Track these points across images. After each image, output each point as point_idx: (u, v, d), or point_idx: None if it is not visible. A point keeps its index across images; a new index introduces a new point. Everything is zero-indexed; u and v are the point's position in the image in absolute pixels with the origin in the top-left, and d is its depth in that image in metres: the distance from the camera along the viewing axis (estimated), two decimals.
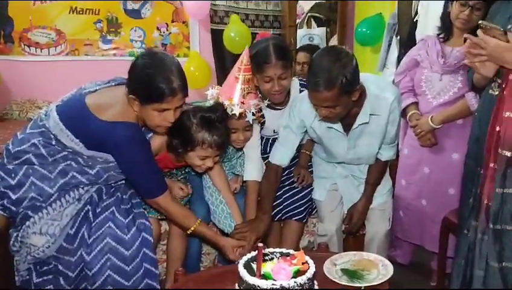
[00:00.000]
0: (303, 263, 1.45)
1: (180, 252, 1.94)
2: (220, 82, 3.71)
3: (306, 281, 1.38)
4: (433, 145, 2.32)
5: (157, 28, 3.98)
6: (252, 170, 2.03)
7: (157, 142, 1.78)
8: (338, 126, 1.91)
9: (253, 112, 1.88)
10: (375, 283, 1.48)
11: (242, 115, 1.86)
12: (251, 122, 1.93)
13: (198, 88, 3.42)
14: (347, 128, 1.93)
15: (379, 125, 1.93)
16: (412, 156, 2.43)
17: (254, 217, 1.93)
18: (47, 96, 3.55)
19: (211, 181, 1.98)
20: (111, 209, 1.74)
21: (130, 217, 1.76)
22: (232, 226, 1.90)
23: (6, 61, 3.63)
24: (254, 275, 1.40)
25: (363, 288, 1.42)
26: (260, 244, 1.42)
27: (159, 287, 1.76)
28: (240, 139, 1.96)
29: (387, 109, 1.89)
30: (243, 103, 1.85)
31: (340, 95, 1.68)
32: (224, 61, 4.00)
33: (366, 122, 1.89)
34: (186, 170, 2.05)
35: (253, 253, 1.54)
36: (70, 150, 1.64)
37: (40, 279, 1.69)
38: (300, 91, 2.07)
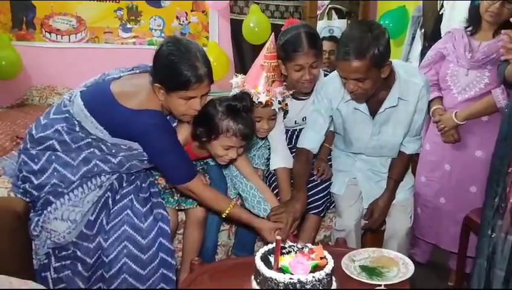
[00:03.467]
0: (321, 258, 1.43)
1: (196, 242, 1.93)
2: (239, 73, 3.68)
3: (324, 277, 1.36)
4: (456, 141, 2.27)
5: (177, 17, 3.97)
6: (279, 158, 1.99)
7: (181, 136, 1.76)
8: (364, 108, 1.87)
9: (279, 100, 1.84)
10: (395, 281, 1.44)
11: (268, 103, 1.83)
12: (277, 111, 1.90)
13: (217, 79, 3.40)
14: (373, 112, 1.88)
15: (406, 113, 1.88)
16: (433, 153, 2.38)
17: (289, 198, 1.89)
18: (66, 83, 3.58)
19: (238, 169, 1.96)
20: (130, 197, 1.74)
21: (148, 206, 1.75)
22: (267, 210, 1.87)
23: (28, 47, 3.66)
24: (271, 268, 1.38)
25: (383, 286, 1.39)
26: (278, 238, 1.40)
27: (174, 277, 1.75)
28: (264, 128, 1.93)
29: (416, 96, 1.85)
30: (268, 90, 1.82)
31: (370, 68, 1.64)
32: (242, 52, 3.98)
33: (394, 106, 1.84)
34: (205, 160, 2.04)
35: (271, 245, 1.52)
36: (94, 137, 1.64)
37: (59, 264, 1.70)
38: None
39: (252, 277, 1.45)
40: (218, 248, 2.06)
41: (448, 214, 2.34)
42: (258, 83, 1.83)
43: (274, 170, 2.00)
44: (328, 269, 1.38)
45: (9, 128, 2.60)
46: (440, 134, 2.29)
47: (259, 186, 1.92)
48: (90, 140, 1.65)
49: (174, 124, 1.76)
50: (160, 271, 1.72)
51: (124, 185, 1.77)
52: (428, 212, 2.42)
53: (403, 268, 1.53)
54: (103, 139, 1.64)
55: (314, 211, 2.00)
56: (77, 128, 1.64)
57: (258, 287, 1.40)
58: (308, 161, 1.96)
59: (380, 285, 1.39)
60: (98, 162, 1.67)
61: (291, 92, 1.93)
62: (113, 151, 1.67)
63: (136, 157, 1.69)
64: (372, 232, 2.09)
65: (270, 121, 1.93)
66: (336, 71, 1.88)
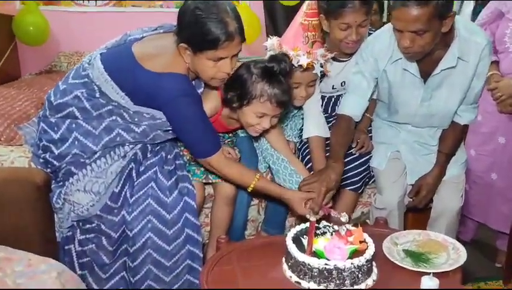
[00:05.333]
0: (360, 242, 1.28)
1: (225, 219, 1.81)
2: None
3: (364, 263, 1.22)
4: None
5: None
6: (313, 126, 1.80)
7: (208, 106, 1.62)
8: (415, 70, 1.65)
9: (321, 63, 1.65)
10: (445, 269, 1.28)
11: (309, 67, 1.64)
12: (318, 75, 1.70)
13: (247, 44, 3.21)
14: (425, 75, 1.67)
15: (464, 76, 1.66)
16: (486, 124, 2.18)
17: (324, 168, 1.69)
18: (93, 49, 3.47)
19: (269, 142, 1.80)
20: (154, 169, 1.64)
21: (173, 179, 1.64)
22: (299, 183, 1.71)
23: (56, 12, 3.59)
24: (304, 251, 1.25)
25: (431, 275, 1.23)
26: (312, 219, 1.25)
27: (201, 254, 1.66)
28: (302, 95, 1.74)
29: (476, 56, 1.63)
30: (309, 52, 1.62)
31: (433, 18, 1.44)
32: (275, 15, 3.76)
33: (451, 67, 1.63)
34: (235, 132, 1.90)
35: (304, 225, 1.38)
36: (115, 104, 1.54)
37: (83, 237, 1.64)
38: None
39: (283, 259, 1.33)
40: (247, 224, 1.94)
41: (499, 191, 2.17)
42: (298, 44, 1.64)
43: (307, 138, 1.83)
44: (369, 254, 1.24)
45: (35, 95, 2.54)
46: (496, 103, 2.09)
47: (291, 160, 1.76)
48: (111, 107, 1.55)
49: (200, 90, 1.62)
50: (187, 247, 1.63)
51: (149, 155, 1.67)
52: (477, 189, 2.25)
53: (453, 254, 1.37)
54: (125, 107, 1.53)
55: (351, 187, 1.83)
56: (97, 94, 1.54)
57: (289, 271, 1.28)
58: (349, 129, 1.77)
59: (429, 273, 1.23)
60: (120, 131, 1.57)
61: (333, 55, 1.72)
62: (136, 120, 1.56)
63: (159, 127, 1.58)
64: (415, 212, 1.91)
65: (309, 87, 1.74)
66: (383, 28, 1.67)
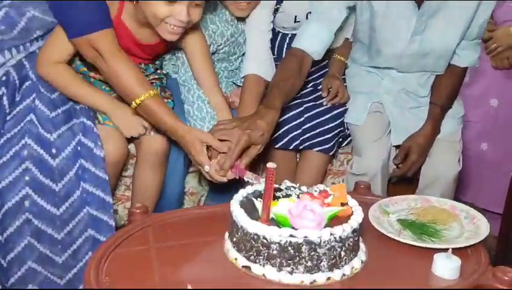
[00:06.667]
0: (342, 204, 0.86)
1: (151, 189, 1.33)
2: None
3: (350, 234, 0.79)
4: (511, 67, 1.78)
5: None
6: (253, 61, 1.39)
7: None
8: None
9: None
10: (466, 244, 0.87)
11: None
12: None
13: None
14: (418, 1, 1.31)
15: (468, 1, 1.32)
16: (474, 84, 1.89)
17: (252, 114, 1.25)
18: None
19: (190, 67, 1.35)
20: (33, 96, 1.15)
21: (59, 110, 1.16)
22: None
23: None
24: (257, 219, 0.81)
25: (450, 251, 0.82)
26: (270, 165, 0.80)
27: (112, 221, 1.16)
28: None
29: None
30: None
31: None
32: None
33: None
34: (165, 71, 1.43)
35: (259, 185, 0.94)
36: None
37: None
38: None
39: (226, 234, 0.88)
40: (185, 198, 1.47)
41: (491, 164, 1.91)
42: None
43: (243, 77, 1.41)
44: (356, 221, 0.81)
45: None
46: (489, 57, 1.80)
47: (215, 102, 1.32)
48: None
49: None
50: (86, 210, 1.14)
51: (28, 80, 1.17)
52: (463, 162, 1.92)
53: (468, 225, 0.97)
54: None
55: (320, 147, 1.42)
56: None
57: (234, 250, 0.83)
58: (299, 70, 1.31)
59: (446, 249, 0.82)
60: None
61: None
62: None
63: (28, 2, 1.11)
64: (398, 183, 1.51)
65: None
66: None
